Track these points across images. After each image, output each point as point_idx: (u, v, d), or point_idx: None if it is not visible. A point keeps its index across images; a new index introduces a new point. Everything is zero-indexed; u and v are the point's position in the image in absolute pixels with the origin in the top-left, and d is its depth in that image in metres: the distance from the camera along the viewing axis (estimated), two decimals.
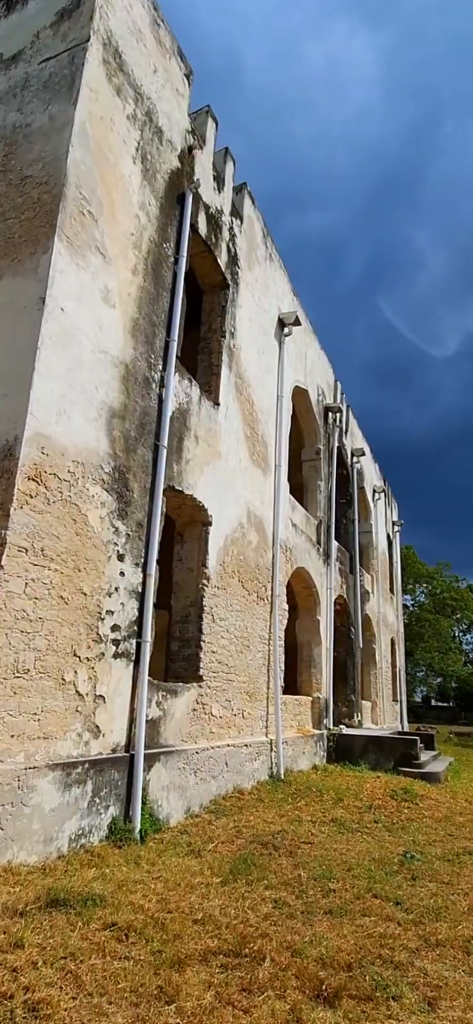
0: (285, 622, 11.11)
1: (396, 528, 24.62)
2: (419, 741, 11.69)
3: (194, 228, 8.44)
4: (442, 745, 17.64)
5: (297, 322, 12.29)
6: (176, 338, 7.56)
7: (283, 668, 10.64)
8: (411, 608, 47.92)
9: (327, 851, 6.18)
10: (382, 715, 18.09)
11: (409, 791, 9.51)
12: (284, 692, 10.92)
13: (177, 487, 7.68)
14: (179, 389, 7.85)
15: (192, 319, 9.23)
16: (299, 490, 13.72)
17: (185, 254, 7.90)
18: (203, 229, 8.83)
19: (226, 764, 8.27)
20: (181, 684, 7.64)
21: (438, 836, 7.29)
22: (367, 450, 19.62)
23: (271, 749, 9.90)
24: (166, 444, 7.13)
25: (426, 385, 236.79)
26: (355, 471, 17.44)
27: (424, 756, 11.41)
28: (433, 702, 56.02)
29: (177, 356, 7.65)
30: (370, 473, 20.21)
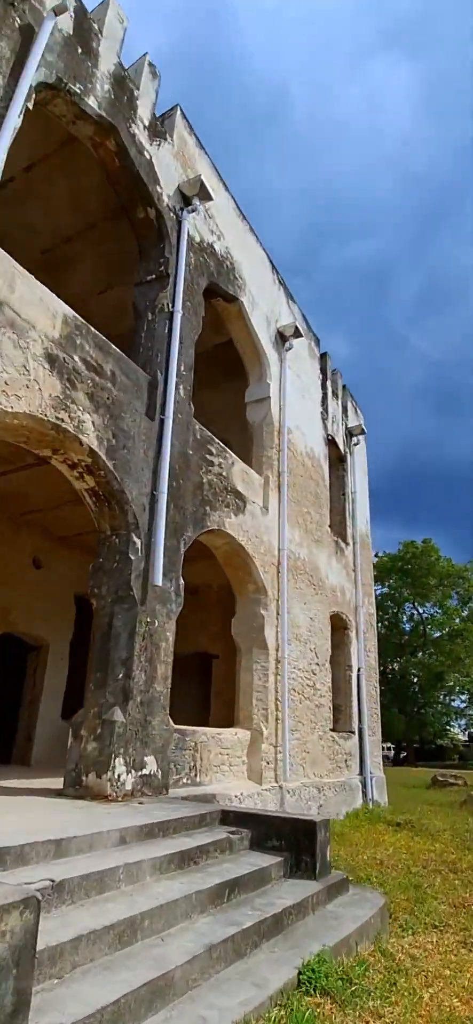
0: None
1: (354, 438, 15.43)
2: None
3: None
4: (439, 817, 12.36)
5: None
6: None
7: None
8: (434, 615, 42.86)
9: None
10: (297, 760, 9.15)
11: None
12: None
13: None
14: None
15: None
16: None
17: None
18: None
19: None
20: None
21: None
22: (251, 243, 10.88)
23: None
24: None
25: None
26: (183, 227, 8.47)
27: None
28: None
29: None
30: (260, 286, 11.08)
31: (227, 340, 11.28)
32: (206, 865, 4.31)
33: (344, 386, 15.80)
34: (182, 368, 7.98)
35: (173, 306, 7.88)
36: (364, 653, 13.81)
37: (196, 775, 7.25)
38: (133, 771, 5.93)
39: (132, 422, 6.82)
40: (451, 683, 42.47)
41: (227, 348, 11.28)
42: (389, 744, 55.69)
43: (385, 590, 47.66)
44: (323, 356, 14.37)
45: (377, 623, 46.26)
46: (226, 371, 11.91)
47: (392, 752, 53.37)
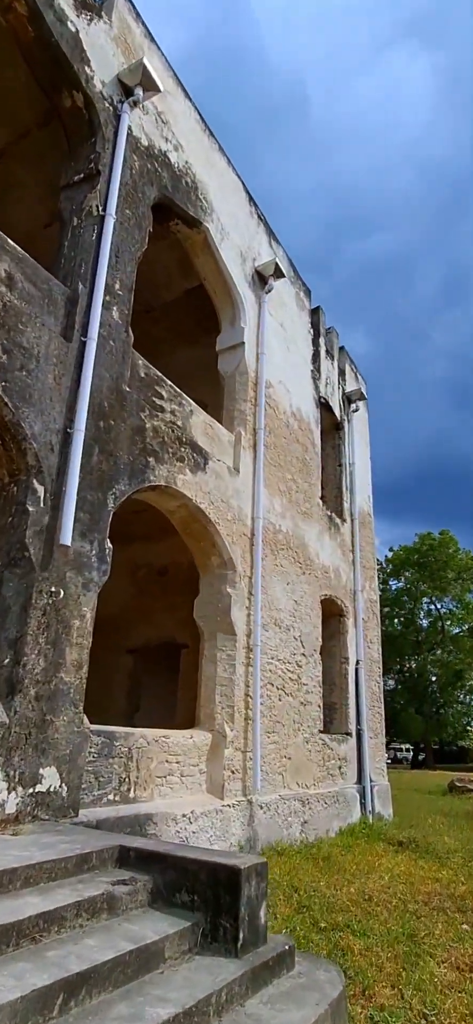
0: None
1: (353, 404, 13.74)
2: None
3: None
4: (451, 833, 10.04)
5: None
6: None
7: None
8: (453, 610, 40.80)
9: None
10: (275, 767, 7.73)
11: None
12: None
13: None
14: None
15: None
16: None
17: None
18: None
19: None
20: None
21: None
22: (220, 164, 9.23)
23: None
24: None
25: None
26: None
27: None
28: None
29: None
30: (233, 216, 9.46)
31: (199, 284, 9.77)
32: (53, 943, 2.79)
33: (342, 348, 14.17)
34: (117, 286, 6.47)
35: (104, 209, 6.38)
36: (364, 644, 12.15)
37: (130, 789, 5.74)
38: (19, 788, 4.43)
39: (37, 339, 5.34)
40: (472, 682, 40.30)
41: (204, 298, 9.75)
42: (408, 745, 53.61)
43: (401, 584, 45.71)
44: (316, 311, 12.75)
45: (394, 619, 44.50)
46: (206, 326, 10.39)
47: (410, 754, 51.27)
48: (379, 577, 46.15)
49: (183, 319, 10.93)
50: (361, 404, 14.00)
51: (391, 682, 47.92)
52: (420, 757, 46.15)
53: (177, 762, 6.48)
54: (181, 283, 10.37)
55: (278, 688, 8.50)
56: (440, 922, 5.93)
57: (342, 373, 13.71)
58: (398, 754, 55.64)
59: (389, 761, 53.23)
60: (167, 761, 6.33)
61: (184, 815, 6.07)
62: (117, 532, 11.23)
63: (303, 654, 9.43)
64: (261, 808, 7.47)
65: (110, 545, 5.82)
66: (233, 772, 7.11)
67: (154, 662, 10.18)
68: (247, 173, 10.01)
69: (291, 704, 8.81)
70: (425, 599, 44.19)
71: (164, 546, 10.05)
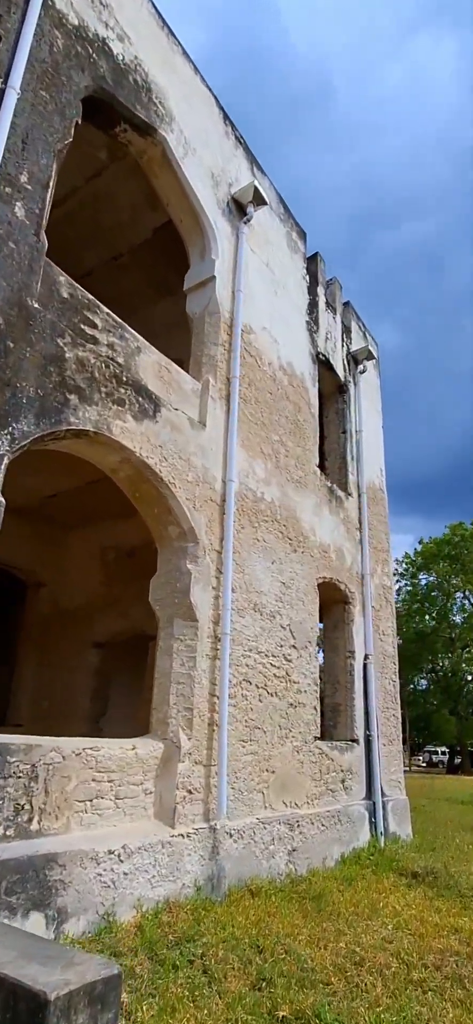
0: None
1: (360, 365, 11.90)
2: None
3: None
4: None
5: None
6: None
7: None
8: None
9: None
10: (252, 784, 6.38)
11: None
12: None
13: None
14: None
15: None
16: None
17: None
18: None
19: None
20: None
21: None
22: (183, 71, 7.76)
23: None
24: None
25: None
26: None
27: None
28: None
29: None
30: (202, 131, 8.00)
31: (169, 220, 8.38)
32: None
33: (347, 303, 12.56)
34: (23, 178, 5.12)
35: (5, 82, 5.04)
36: (376, 636, 10.52)
37: (32, 820, 4.35)
38: None
39: None
40: None
41: (177, 238, 8.35)
42: (443, 748, 50.97)
43: (432, 579, 43.33)
44: (314, 258, 11.21)
45: (424, 615, 42.22)
46: (183, 272, 8.98)
47: (446, 757, 48.68)
48: (407, 572, 44.15)
49: (156, 264, 9.54)
50: (370, 365, 12.35)
51: (423, 682, 45.62)
52: (456, 761, 43.64)
53: (110, 781, 5.06)
54: (149, 220, 8.99)
55: (258, 687, 7.01)
56: (453, 1001, 4.36)
57: (347, 331, 12.10)
58: (433, 757, 53.07)
59: (423, 765, 50.79)
60: (94, 780, 4.92)
61: (112, 852, 4.65)
62: (81, 512, 9.91)
63: (293, 646, 7.89)
64: (230, 836, 5.98)
65: (2, 500, 4.45)
66: (190, 792, 5.65)
67: (124, 658, 8.81)
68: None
69: (276, 706, 7.30)
70: (458, 593, 41.72)
71: (134, 524, 8.65)
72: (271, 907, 5.68)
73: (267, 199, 8.81)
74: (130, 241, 9.41)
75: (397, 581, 45.37)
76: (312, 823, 7.43)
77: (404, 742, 47.83)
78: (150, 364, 6.33)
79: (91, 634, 9.07)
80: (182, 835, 5.37)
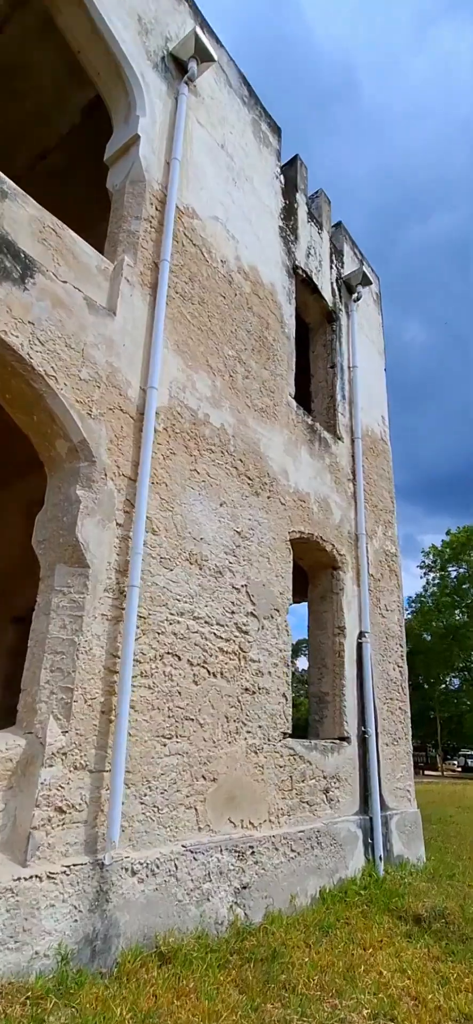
0: None
1: (354, 292, 9.92)
2: None
3: None
4: None
5: None
6: None
7: None
8: None
9: None
10: (179, 797, 4.44)
11: None
12: None
13: None
14: None
15: None
16: None
17: None
18: None
19: None
20: None
21: None
22: None
23: None
24: None
25: None
26: None
27: None
28: None
29: None
30: None
31: (98, 96, 6.69)
32: None
33: (339, 223, 10.65)
34: None
35: None
36: (376, 611, 8.54)
37: None
38: None
39: None
40: None
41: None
42: None
43: (463, 570, 40.60)
44: (293, 161, 9.36)
45: (455, 609, 39.53)
46: None
47: None
48: (436, 564, 41.48)
49: (97, 167, 7.83)
50: (366, 292, 10.38)
51: (456, 680, 42.87)
52: None
53: None
54: (76, 97, 7.32)
55: (192, 663, 5.16)
56: None
57: (338, 253, 10.17)
58: (470, 762, 49.99)
59: (459, 769, 47.77)
60: None
61: None
62: (13, 464, 8.21)
63: (252, 614, 6.02)
64: (133, 873, 4.14)
65: None
66: (63, 811, 3.85)
67: None
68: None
69: (222, 691, 5.43)
70: None
71: None
72: (185, 982, 3.83)
73: (216, 56, 7.00)
74: (58, 129, 7.75)
75: (423, 574, 42.80)
76: (276, 848, 5.53)
77: (436, 746, 44.94)
78: (23, 217, 4.59)
79: (8, 608, 7.40)
80: (38, 876, 3.57)
